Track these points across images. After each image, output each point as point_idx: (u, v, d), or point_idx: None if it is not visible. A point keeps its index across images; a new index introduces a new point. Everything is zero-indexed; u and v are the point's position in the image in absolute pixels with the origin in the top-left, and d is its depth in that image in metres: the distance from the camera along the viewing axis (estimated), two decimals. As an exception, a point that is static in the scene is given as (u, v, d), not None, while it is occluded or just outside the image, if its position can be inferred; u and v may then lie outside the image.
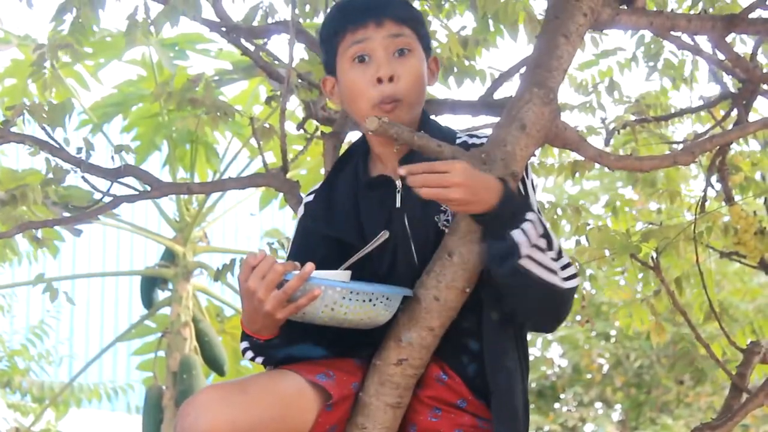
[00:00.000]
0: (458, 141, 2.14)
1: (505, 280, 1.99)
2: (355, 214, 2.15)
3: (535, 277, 1.96)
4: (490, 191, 1.96)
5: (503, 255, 1.96)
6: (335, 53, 2.12)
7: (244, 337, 2.06)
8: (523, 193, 2.11)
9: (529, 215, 1.97)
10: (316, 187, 2.24)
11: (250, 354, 2.09)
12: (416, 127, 2.11)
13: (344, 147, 2.76)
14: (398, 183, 2.12)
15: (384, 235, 2.02)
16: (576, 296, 4.04)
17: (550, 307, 2.04)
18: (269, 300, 1.92)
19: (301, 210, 2.23)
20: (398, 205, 2.12)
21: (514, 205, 1.99)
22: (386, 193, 2.13)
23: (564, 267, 2.01)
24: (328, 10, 2.20)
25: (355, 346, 2.12)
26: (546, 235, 1.99)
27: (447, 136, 2.14)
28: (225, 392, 1.92)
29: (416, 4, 3.43)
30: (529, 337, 2.23)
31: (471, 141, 2.15)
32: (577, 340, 9.67)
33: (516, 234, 1.95)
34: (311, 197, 2.22)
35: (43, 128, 2.83)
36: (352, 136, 2.93)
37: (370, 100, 2.07)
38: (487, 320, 2.06)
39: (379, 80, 2.06)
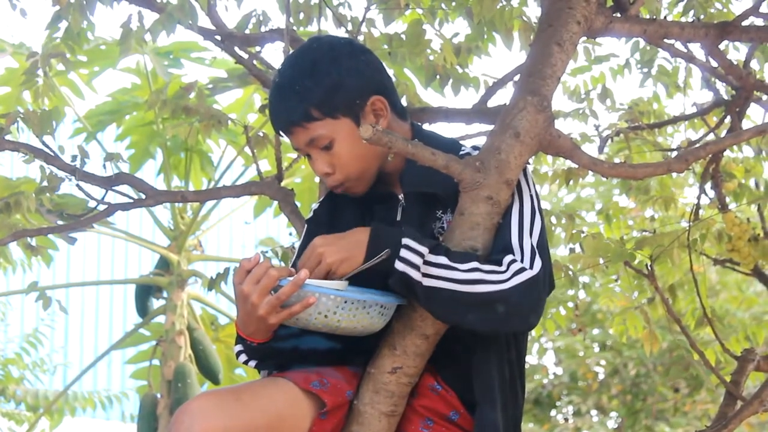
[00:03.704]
0: (462, 153, 2.14)
1: (426, 305, 1.99)
2: (359, 224, 2.16)
3: (456, 293, 1.95)
4: (359, 240, 2.01)
5: (404, 286, 1.97)
6: None
7: (239, 340, 2.07)
8: (518, 200, 2.10)
9: (405, 241, 1.98)
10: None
11: (243, 357, 2.09)
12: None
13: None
14: (401, 197, 2.16)
15: (386, 253, 2.00)
16: (571, 304, 4.03)
17: (491, 314, 1.97)
18: (262, 305, 1.92)
19: (310, 214, 2.27)
20: (398, 218, 2.15)
21: (386, 238, 2.00)
22: (389, 206, 2.17)
23: (492, 272, 1.98)
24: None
25: (351, 353, 2.12)
26: (446, 253, 1.99)
27: (450, 147, 2.14)
28: (218, 399, 1.92)
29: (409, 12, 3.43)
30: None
31: (475, 153, 2.14)
32: (576, 350, 9.65)
33: (397, 265, 1.96)
34: (319, 203, 2.27)
35: (38, 136, 2.83)
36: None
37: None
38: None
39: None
